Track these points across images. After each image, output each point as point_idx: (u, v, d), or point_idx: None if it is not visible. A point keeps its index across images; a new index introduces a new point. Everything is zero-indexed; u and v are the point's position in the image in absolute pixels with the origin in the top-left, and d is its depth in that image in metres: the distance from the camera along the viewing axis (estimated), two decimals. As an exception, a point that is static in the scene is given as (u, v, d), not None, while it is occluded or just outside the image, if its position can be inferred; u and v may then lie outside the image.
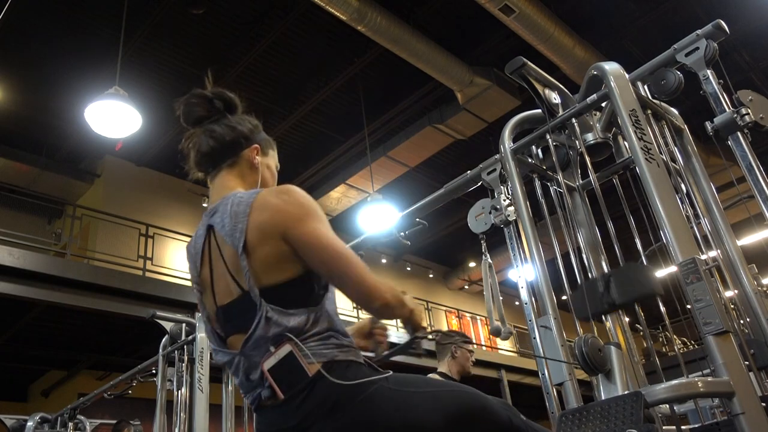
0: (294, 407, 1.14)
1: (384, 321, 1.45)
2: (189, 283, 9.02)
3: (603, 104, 2.29)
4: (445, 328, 11.36)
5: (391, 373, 1.22)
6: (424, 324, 1.38)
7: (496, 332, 2.28)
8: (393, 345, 1.44)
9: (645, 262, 2.10)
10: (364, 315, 1.48)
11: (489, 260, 2.56)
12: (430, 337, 1.39)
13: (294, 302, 1.18)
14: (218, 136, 1.37)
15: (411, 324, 1.35)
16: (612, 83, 2.09)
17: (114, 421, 5.82)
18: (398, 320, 1.37)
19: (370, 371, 1.19)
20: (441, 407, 1.20)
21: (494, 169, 2.60)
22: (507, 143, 2.38)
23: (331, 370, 1.14)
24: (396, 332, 1.72)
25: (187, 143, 1.40)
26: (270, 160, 1.46)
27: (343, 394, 1.12)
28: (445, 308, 13.66)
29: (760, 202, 1.98)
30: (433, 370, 3.16)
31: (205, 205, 11.08)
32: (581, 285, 1.97)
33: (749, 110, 2.04)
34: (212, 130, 1.38)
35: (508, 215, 2.46)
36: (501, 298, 2.38)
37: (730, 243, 2.14)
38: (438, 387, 1.26)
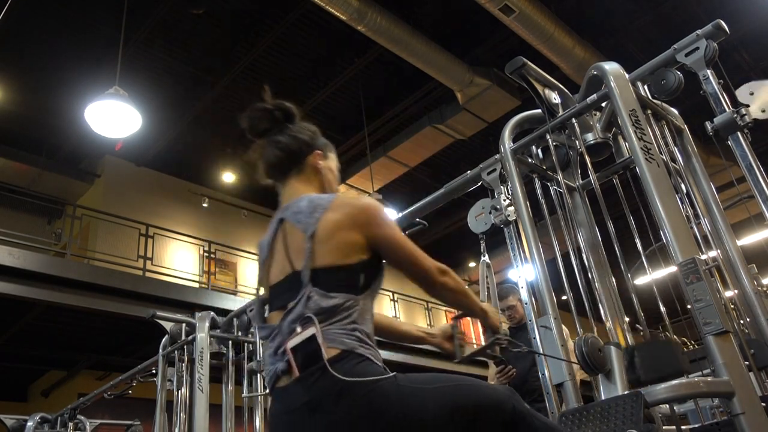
0: (307, 386, 1.22)
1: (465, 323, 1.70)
2: (189, 283, 9.10)
3: (603, 104, 2.29)
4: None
5: (396, 373, 1.28)
6: (502, 328, 1.59)
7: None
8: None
9: (670, 336, 2.03)
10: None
11: (487, 260, 2.56)
12: (504, 344, 1.59)
13: (337, 287, 1.29)
14: (283, 146, 1.51)
15: (489, 327, 1.59)
16: (612, 83, 2.09)
17: (114, 422, 5.82)
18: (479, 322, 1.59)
19: (381, 370, 1.25)
20: (445, 402, 1.25)
21: (494, 169, 2.60)
22: (507, 143, 2.38)
23: (345, 360, 1.22)
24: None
25: (255, 154, 1.54)
26: (331, 163, 1.62)
27: (350, 384, 1.19)
28: (445, 308, 13.65)
29: (760, 202, 1.98)
30: (436, 370, 3.15)
31: (205, 205, 11.14)
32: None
33: (749, 109, 2.04)
34: (277, 141, 1.51)
35: (508, 215, 2.46)
36: (501, 298, 2.38)
37: (730, 243, 2.14)
38: (444, 382, 1.31)
